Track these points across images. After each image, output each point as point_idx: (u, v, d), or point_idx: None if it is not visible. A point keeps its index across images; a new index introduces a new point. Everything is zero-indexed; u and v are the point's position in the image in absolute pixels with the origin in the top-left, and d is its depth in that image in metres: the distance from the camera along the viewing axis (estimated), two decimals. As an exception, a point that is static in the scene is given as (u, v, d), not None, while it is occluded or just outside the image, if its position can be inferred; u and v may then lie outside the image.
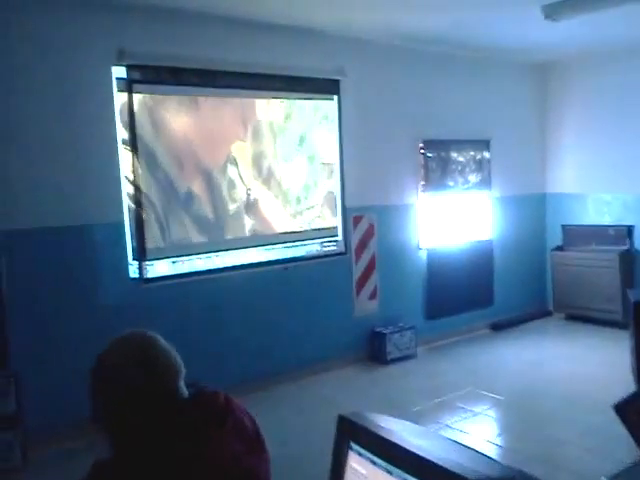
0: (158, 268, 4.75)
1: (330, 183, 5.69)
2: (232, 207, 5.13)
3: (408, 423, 1.05)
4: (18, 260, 4.16)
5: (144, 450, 1.41)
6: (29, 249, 4.23)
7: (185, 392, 1.54)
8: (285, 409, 4.93)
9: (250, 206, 5.22)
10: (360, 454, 0.97)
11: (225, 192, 5.08)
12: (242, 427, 1.56)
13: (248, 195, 5.20)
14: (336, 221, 5.78)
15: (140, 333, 1.56)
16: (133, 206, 4.62)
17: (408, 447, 0.87)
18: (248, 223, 5.22)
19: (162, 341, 1.56)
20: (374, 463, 0.93)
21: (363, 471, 0.96)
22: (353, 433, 1.00)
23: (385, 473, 0.90)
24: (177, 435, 1.43)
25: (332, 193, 5.72)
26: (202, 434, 1.45)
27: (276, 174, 5.35)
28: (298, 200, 5.51)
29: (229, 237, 5.13)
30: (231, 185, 5.11)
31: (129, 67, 4.54)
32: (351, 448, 1.01)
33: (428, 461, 0.82)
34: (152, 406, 1.46)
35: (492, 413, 4.78)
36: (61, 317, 4.36)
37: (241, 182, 5.15)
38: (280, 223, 5.41)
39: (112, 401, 1.48)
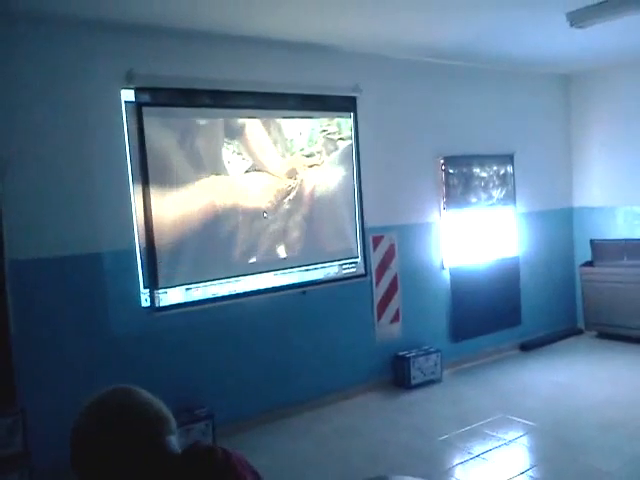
0: (171, 296, 4.59)
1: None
2: (247, 231, 4.96)
3: None
4: (27, 290, 4.04)
5: None
6: (38, 279, 4.10)
7: (176, 447, 1.36)
8: (304, 440, 4.72)
9: (266, 229, 5.04)
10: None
11: (240, 216, 4.91)
12: None
13: (265, 217, 5.03)
14: (355, 242, 5.58)
15: (116, 391, 1.40)
16: (144, 233, 4.47)
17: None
18: (264, 246, 5.05)
19: (143, 394, 1.39)
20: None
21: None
22: None
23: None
24: None
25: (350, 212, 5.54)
26: None
27: (301, 195, 5.20)
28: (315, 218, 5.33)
29: (244, 262, 4.95)
30: (244, 209, 4.94)
31: (138, 90, 4.43)
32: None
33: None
34: (137, 469, 1.29)
35: (525, 441, 4.52)
36: (71, 348, 4.22)
37: (256, 204, 4.99)
38: (298, 246, 5.22)
39: (93, 471, 1.31)
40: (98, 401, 1.37)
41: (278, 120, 5.10)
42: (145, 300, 4.52)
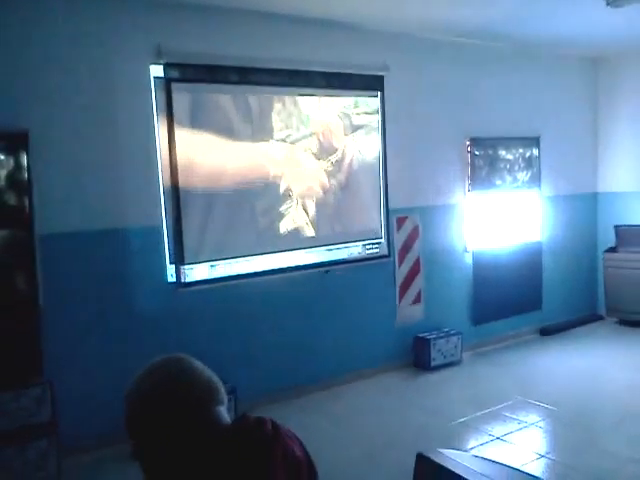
0: (196, 272, 4.62)
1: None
2: (272, 209, 4.97)
3: (483, 459, 0.97)
4: (55, 264, 4.09)
5: None
6: (66, 253, 4.14)
7: (226, 418, 1.38)
8: (323, 417, 4.77)
9: (291, 208, 5.05)
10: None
11: (265, 194, 4.92)
12: (292, 457, 1.37)
13: (289, 196, 5.03)
14: (379, 223, 5.57)
15: (170, 360, 1.40)
16: (171, 209, 4.50)
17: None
18: (289, 225, 5.06)
19: (196, 364, 1.40)
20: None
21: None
22: (436, 472, 0.96)
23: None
24: (217, 467, 1.28)
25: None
26: (246, 466, 1.28)
27: (317, 173, 5.19)
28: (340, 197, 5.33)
29: (270, 239, 4.97)
30: (272, 187, 4.95)
31: (167, 65, 4.41)
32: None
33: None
34: (188, 437, 1.31)
35: (544, 425, 4.52)
36: (96, 323, 4.28)
37: (282, 183, 4.99)
38: (321, 224, 5.23)
39: (146, 435, 1.33)
40: (152, 368, 1.38)
41: (305, 98, 5.07)
42: (171, 276, 4.56)
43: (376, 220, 5.55)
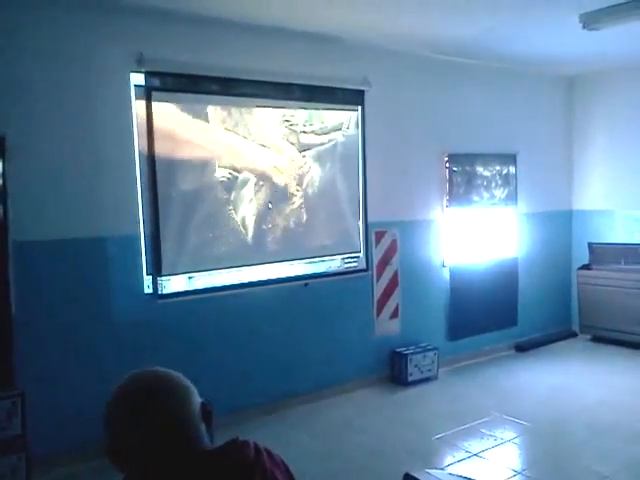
0: (174, 284, 4.56)
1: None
2: (253, 221, 4.93)
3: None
4: (29, 272, 4.00)
5: None
6: (41, 261, 4.06)
7: (206, 441, 1.32)
8: (302, 432, 4.71)
9: (271, 219, 5.02)
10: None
11: (246, 205, 4.89)
12: None
13: (269, 208, 5.00)
14: (357, 236, 5.56)
15: (148, 376, 1.34)
16: (149, 219, 4.44)
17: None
18: (268, 237, 5.03)
19: (176, 381, 1.34)
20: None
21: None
22: None
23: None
24: None
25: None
26: None
27: (298, 184, 5.17)
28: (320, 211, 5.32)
29: (248, 252, 4.93)
30: (252, 198, 4.92)
31: (148, 74, 4.37)
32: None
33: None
34: (170, 462, 1.26)
35: (520, 441, 4.53)
36: (72, 332, 4.18)
37: (263, 195, 4.97)
38: (300, 238, 5.21)
39: (130, 461, 1.27)
40: (129, 387, 1.31)
41: (285, 110, 5.06)
42: (148, 287, 4.49)
43: (354, 234, 5.54)
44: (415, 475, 0.95)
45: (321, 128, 5.28)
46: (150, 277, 4.48)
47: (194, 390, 1.35)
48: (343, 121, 5.42)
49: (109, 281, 4.32)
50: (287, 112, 5.07)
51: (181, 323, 4.61)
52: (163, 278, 4.47)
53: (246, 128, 4.87)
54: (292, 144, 5.11)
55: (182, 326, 4.62)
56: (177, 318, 4.59)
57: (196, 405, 1.33)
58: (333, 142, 5.36)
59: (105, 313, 4.30)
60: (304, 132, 5.18)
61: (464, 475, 0.95)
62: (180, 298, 4.57)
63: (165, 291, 4.50)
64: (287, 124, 5.08)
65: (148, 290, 4.49)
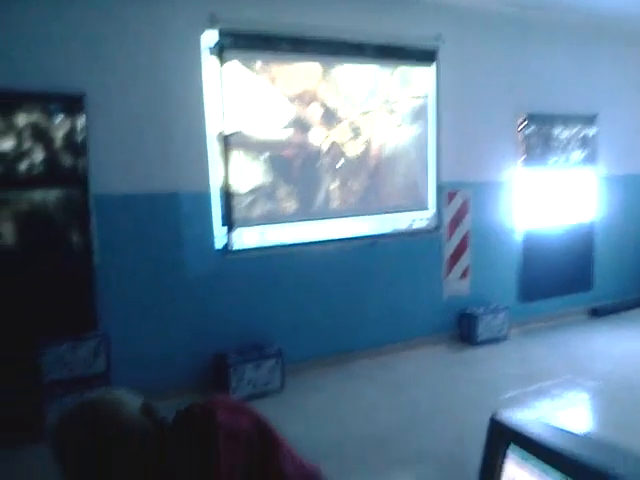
0: (245, 239, 4.68)
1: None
2: (324, 176, 4.99)
3: (557, 427, 1.03)
4: (108, 224, 4.20)
5: None
6: (119, 214, 4.26)
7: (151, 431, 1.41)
8: (367, 385, 4.80)
9: (342, 175, 5.05)
10: (519, 456, 0.99)
11: (319, 160, 4.94)
12: (236, 430, 1.46)
13: (342, 163, 5.03)
14: (428, 195, 5.52)
15: (95, 402, 1.40)
16: (221, 175, 4.55)
17: (563, 450, 0.92)
18: (339, 193, 5.07)
19: (98, 404, 1.40)
20: (532, 465, 0.95)
21: (521, 472, 0.98)
22: (511, 435, 1.01)
23: (543, 474, 0.93)
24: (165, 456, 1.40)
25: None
26: (190, 444, 1.42)
27: (373, 144, 5.17)
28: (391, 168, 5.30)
29: (318, 207, 4.99)
30: (325, 153, 4.96)
31: (220, 32, 4.45)
32: (509, 450, 1.01)
33: (581, 462, 0.87)
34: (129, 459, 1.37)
35: (594, 404, 4.46)
36: (147, 283, 4.40)
37: (336, 149, 4.99)
38: (370, 194, 5.22)
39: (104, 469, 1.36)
40: (67, 427, 1.36)
41: (356, 69, 5.05)
42: (219, 242, 4.63)
43: (426, 193, 5.51)
44: (502, 419, 1.00)
45: (396, 86, 5.24)
46: (222, 233, 4.61)
47: (124, 400, 1.42)
48: (417, 80, 5.35)
49: (182, 236, 4.50)
50: (362, 69, 5.05)
51: (251, 276, 4.76)
52: (234, 233, 4.61)
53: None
54: (366, 102, 5.10)
55: (252, 279, 4.77)
56: (247, 272, 4.74)
57: (133, 409, 1.41)
58: (408, 100, 5.31)
59: (177, 267, 4.50)
60: (379, 90, 5.16)
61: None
62: (250, 254, 4.71)
63: (236, 247, 4.64)
64: (362, 82, 5.07)
65: (220, 246, 4.63)
